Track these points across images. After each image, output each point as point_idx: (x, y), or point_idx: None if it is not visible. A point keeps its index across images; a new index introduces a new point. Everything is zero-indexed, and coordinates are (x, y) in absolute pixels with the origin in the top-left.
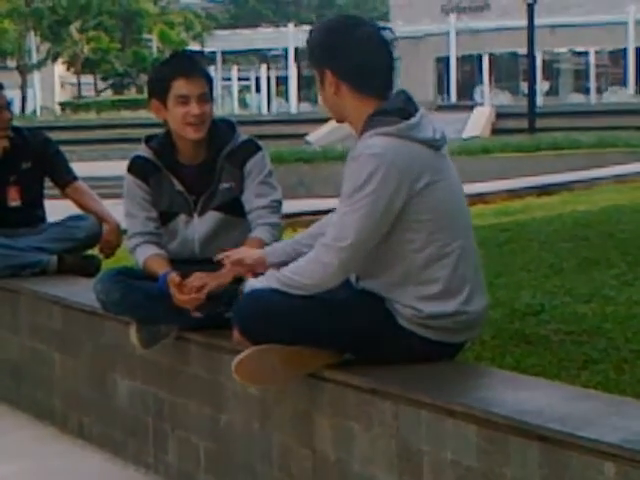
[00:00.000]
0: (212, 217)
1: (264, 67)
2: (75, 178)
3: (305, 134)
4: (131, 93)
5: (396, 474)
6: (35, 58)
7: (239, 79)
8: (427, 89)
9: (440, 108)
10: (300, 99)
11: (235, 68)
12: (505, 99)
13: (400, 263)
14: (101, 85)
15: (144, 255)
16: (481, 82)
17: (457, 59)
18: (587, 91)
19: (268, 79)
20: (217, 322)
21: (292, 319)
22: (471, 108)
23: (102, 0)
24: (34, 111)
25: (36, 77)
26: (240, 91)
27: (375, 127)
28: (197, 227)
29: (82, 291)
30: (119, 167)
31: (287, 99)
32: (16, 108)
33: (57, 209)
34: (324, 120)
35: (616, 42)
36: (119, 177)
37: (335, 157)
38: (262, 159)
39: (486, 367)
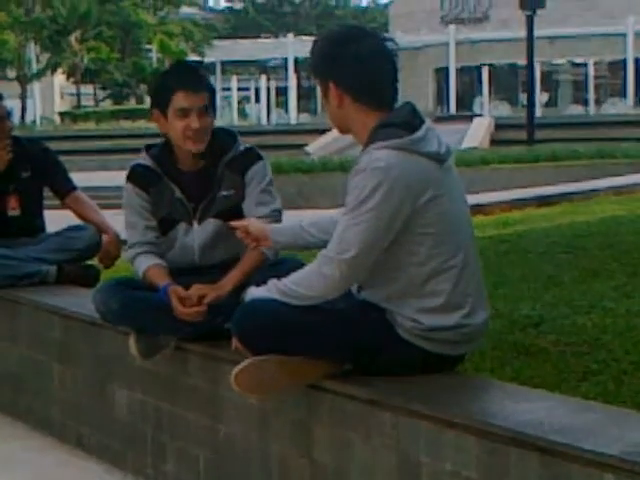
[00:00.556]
0: (212, 225)
1: (264, 78)
2: (74, 188)
3: (304, 145)
4: (130, 103)
5: None
6: (35, 68)
7: (239, 89)
8: (426, 100)
9: (439, 119)
10: (299, 110)
11: (235, 78)
12: (504, 110)
13: (402, 275)
14: (101, 95)
15: (144, 265)
16: (480, 93)
17: (456, 70)
18: (586, 102)
19: (268, 90)
20: (216, 332)
21: (292, 329)
22: (470, 119)
23: (102, 10)
24: (34, 121)
25: (36, 87)
26: (239, 101)
27: (380, 140)
28: (197, 235)
29: (81, 301)
30: (118, 177)
31: (286, 110)
32: (16, 118)
33: (56, 219)
34: (323, 131)
35: (615, 53)
36: (118, 187)
37: (334, 168)
38: (263, 168)
39: (486, 378)
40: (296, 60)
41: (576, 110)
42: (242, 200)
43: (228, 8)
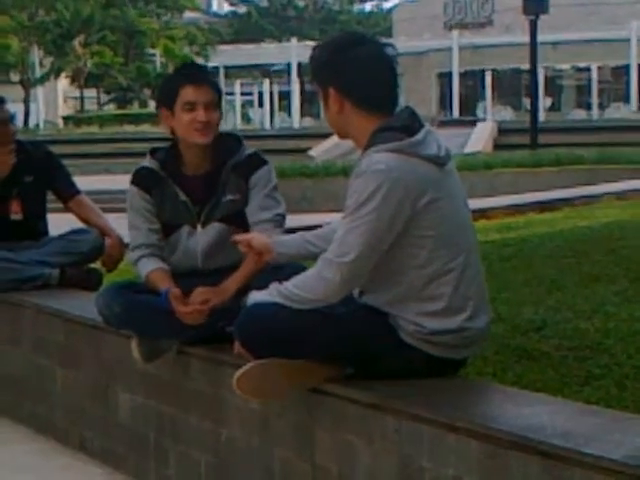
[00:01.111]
0: (215, 228)
1: (267, 82)
2: (78, 192)
3: (308, 149)
4: (134, 107)
5: None
6: (38, 72)
7: (242, 94)
8: (429, 104)
9: (442, 123)
10: (303, 114)
11: (238, 83)
12: (507, 115)
13: (403, 279)
14: (104, 99)
15: (146, 269)
16: (483, 98)
17: (459, 75)
18: (589, 107)
19: (271, 94)
20: (218, 336)
21: (294, 333)
22: (473, 123)
23: (105, 15)
24: (37, 125)
25: (39, 91)
26: (243, 106)
27: (379, 143)
28: (200, 238)
29: (84, 305)
30: (122, 181)
31: (290, 114)
32: (19, 122)
33: (59, 223)
34: (327, 135)
35: (619, 58)
36: (121, 191)
37: (337, 172)
38: (268, 173)
39: (488, 382)
40: (299, 64)
41: (579, 115)
42: (246, 205)
43: (231, 12)
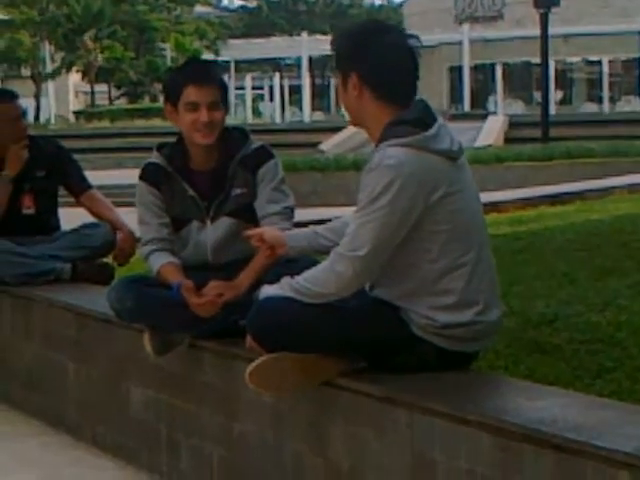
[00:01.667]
0: (225, 223)
1: (278, 76)
2: (89, 186)
3: (318, 143)
4: (145, 102)
5: None
6: (49, 67)
7: (253, 88)
8: (440, 98)
9: (453, 117)
10: (313, 108)
11: (249, 77)
12: (518, 108)
13: (415, 273)
14: (115, 94)
15: (158, 263)
16: (494, 91)
17: (470, 68)
18: (600, 100)
19: (282, 88)
20: (231, 330)
21: (306, 327)
22: (484, 117)
23: (116, 10)
24: (48, 120)
25: (50, 86)
26: (254, 100)
27: (393, 137)
28: (210, 233)
29: (96, 299)
30: (133, 175)
31: (300, 108)
32: (30, 117)
33: (71, 217)
34: (337, 129)
35: (630, 51)
36: (133, 185)
37: (348, 166)
38: (275, 166)
39: (500, 376)
40: (310, 58)
41: (590, 108)
42: (254, 198)
43: (242, 7)
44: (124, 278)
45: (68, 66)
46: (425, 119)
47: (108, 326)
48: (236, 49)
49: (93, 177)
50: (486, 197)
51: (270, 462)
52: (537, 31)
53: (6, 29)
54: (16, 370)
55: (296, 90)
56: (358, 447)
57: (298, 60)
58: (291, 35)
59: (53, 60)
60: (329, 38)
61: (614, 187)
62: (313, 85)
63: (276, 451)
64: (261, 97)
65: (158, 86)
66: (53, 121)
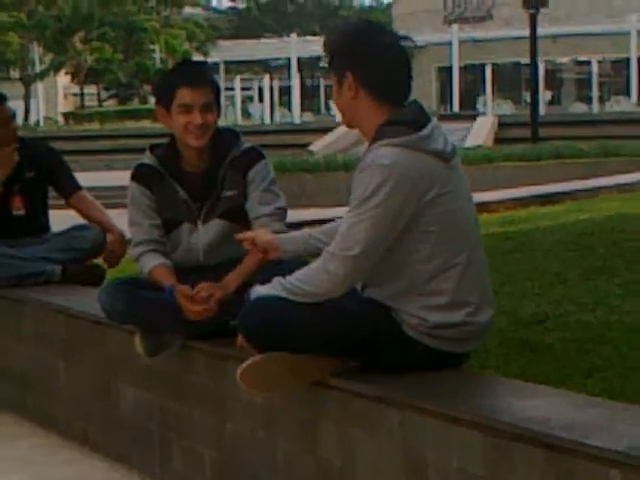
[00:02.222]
0: (216, 225)
1: (267, 77)
2: (79, 188)
3: (308, 144)
4: (134, 103)
5: None
6: (38, 68)
7: (242, 89)
8: (430, 99)
9: (443, 118)
10: (303, 109)
11: (238, 78)
12: (508, 108)
13: (407, 273)
14: (104, 95)
15: (149, 264)
16: (484, 92)
17: (460, 69)
18: (590, 100)
19: (271, 89)
20: (222, 331)
21: (297, 327)
22: (474, 117)
23: (105, 11)
24: (37, 121)
25: (39, 87)
26: (243, 101)
27: (386, 137)
28: (201, 235)
29: (86, 301)
30: (123, 177)
31: (290, 109)
32: (19, 119)
33: (61, 219)
34: (327, 130)
35: (619, 51)
36: (123, 187)
37: (337, 167)
38: (265, 167)
39: (491, 375)
40: (299, 60)
41: (580, 108)
42: (245, 200)
43: (231, 8)
44: (115, 280)
45: (57, 68)
46: (419, 120)
47: (99, 327)
48: (225, 50)
49: (83, 179)
50: (476, 197)
51: (262, 462)
52: (526, 31)
53: None
54: (7, 372)
55: (286, 91)
56: (350, 446)
57: (288, 61)
58: (280, 36)
59: (42, 62)
60: (319, 39)
61: (604, 187)
62: (303, 86)
63: (268, 451)
64: (250, 98)
65: (147, 88)
66: (42, 123)
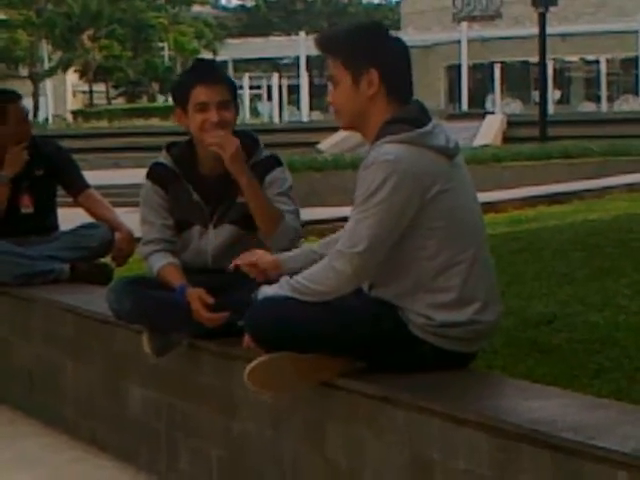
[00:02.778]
0: (227, 230)
1: (276, 75)
2: (87, 186)
3: (316, 142)
4: (143, 101)
5: None
6: (47, 66)
7: (250, 87)
8: (438, 97)
9: (451, 116)
10: (312, 107)
11: (246, 76)
12: (516, 107)
13: (412, 271)
14: (113, 93)
15: (159, 263)
16: (492, 90)
17: (468, 67)
18: (598, 99)
19: (280, 87)
20: (230, 330)
21: (304, 327)
22: (482, 116)
23: (114, 9)
24: (46, 119)
25: (48, 85)
26: (251, 99)
27: (388, 134)
28: (211, 239)
29: (94, 299)
30: (131, 175)
31: (299, 107)
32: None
33: (69, 217)
34: (335, 128)
35: (627, 50)
36: (131, 185)
37: (346, 165)
38: (282, 173)
39: (498, 376)
40: (308, 58)
41: (588, 107)
42: None
43: (240, 6)
44: (123, 279)
45: (66, 65)
46: (421, 118)
47: (107, 326)
48: (234, 49)
49: (91, 177)
50: (484, 197)
51: (269, 462)
52: (535, 30)
53: (3, 29)
54: (15, 370)
55: (294, 90)
56: (356, 447)
57: (296, 59)
58: (289, 34)
59: (51, 59)
60: None
61: (612, 187)
62: (311, 85)
63: (275, 451)
64: (259, 97)
65: (156, 86)
66: (51, 121)
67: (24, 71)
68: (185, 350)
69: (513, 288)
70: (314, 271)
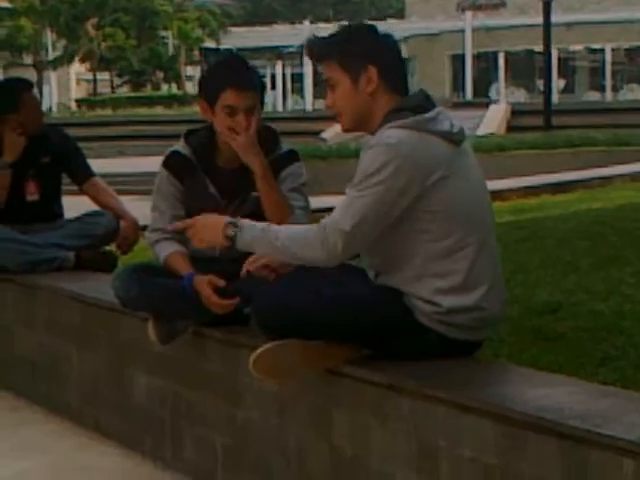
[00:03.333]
0: None
1: (279, 64)
2: (93, 174)
3: (320, 131)
4: (147, 90)
5: (414, 471)
6: (51, 54)
7: None
8: (442, 86)
9: (455, 105)
10: (315, 96)
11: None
12: (521, 96)
13: (418, 254)
14: (117, 82)
15: (166, 251)
16: (497, 79)
17: (473, 56)
18: (603, 89)
19: (283, 76)
20: (235, 318)
21: (310, 314)
22: (487, 105)
23: None
24: (50, 108)
25: (52, 74)
26: None
27: (392, 121)
28: None
29: (100, 287)
30: (135, 163)
31: (302, 96)
32: None
33: (74, 205)
34: None
35: (633, 39)
36: (135, 174)
37: (350, 154)
38: (298, 169)
39: (504, 364)
40: None
41: (593, 96)
42: None
43: None
44: (129, 266)
45: (70, 57)
46: (424, 105)
47: (112, 314)
48: (238, 37)
49: (95, 165)
50: (488, 185)
51: (274, 450)
52: (540, 19)
53: (7, 17)
54: (20, 358)
55: (298, 78)
56: (362, 435)
57: (300, 48)
58: (293, 23)
59: (55, 48)
60: (332, 26)
61: (617, 176)
62: (315, 73)
63: (280, 439)
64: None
65: (160, 74)
66: (55, 109)
67: (28, 59)
68: (190, 338)
69: (518, 277)
70: (299, 236)
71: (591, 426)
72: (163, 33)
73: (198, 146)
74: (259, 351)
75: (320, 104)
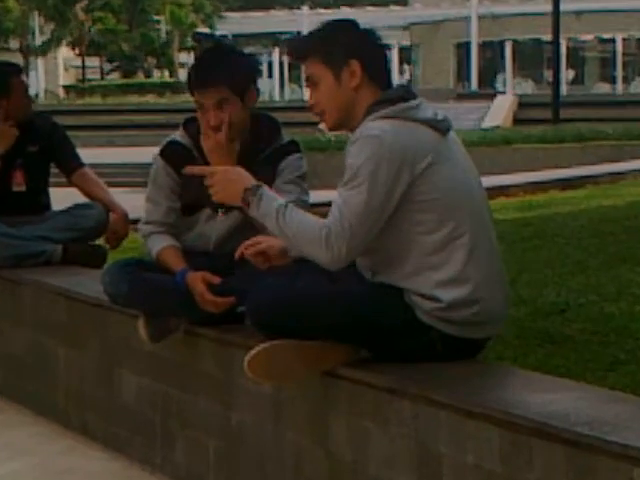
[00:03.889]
0: (235, 217)
1: (277, 51)
2: (82, 164)
3: (318, 122)
4: (139, 77)
5: (415, 478)
6: (39, 39)
7: None
8: (447, 76)
9: (460, 96)
10: None
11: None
12: (528, 88)
13: (414, 247)
14: (107, 68)
15: (159, 245)
16: (503, 69)
17: (478, 45)
18: (614, 80)
19: (281, 64)
20: (229, 317)
21: (307, 313)
22: (492, 97)
23: None
24: (37, 94)
25: (39, 59)
26: None
27: (372, 113)
28: (218, 224)
29: (88, 282)
30: (125, 154)
31: (300, 85)
32: None
33: (62, 197)
34: None
35: None
36: (125, 164)
37: None
38: (297, 160)
39: (508, 367)
40: None
41: (603, 88)
42: None
43: None
44: (119, 261)
45: (58, 41)
46: (405, 96)
47: (100, 311)
48: (234, 23)
49: (84, 155)
50: (494, 181)
51: (269, 454)
52: (548, 7)
53: None
54: (5, 357)
55: (296, 66)
56: (361, 439)
57: (298, 35)
58: (291, 8)
59: (42, 32)
60: (331, 12)
61: (628, 171)
62: None
63: (275, 443)
64: (259, 73)
65: (152, 61)
66: (42, 96)
67: (15, 44)
68: (182, 337)
69: (524, 276)
70: (307, 232)
71: (599, 433)
72: (155, 17)
73: (197, 135)
74: (254, 351)
75: None
